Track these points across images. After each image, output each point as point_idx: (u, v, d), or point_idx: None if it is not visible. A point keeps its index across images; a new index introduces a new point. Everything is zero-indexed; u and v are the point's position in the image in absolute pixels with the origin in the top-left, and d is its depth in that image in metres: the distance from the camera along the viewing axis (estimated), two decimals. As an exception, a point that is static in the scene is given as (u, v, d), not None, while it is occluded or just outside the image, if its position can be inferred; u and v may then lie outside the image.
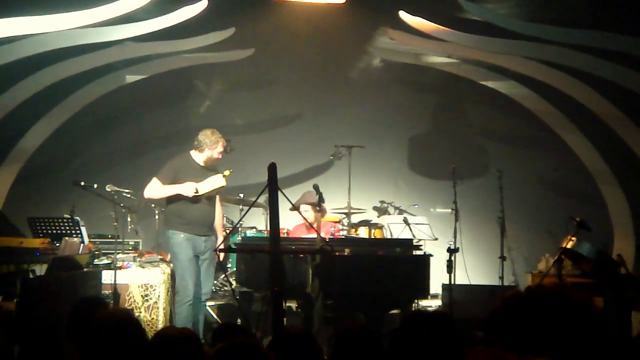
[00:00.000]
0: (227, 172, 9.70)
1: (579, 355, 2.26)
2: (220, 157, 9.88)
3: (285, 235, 10.64)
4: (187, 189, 9.60)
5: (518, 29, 12.84)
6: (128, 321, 4.46)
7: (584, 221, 9.96)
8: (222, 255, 10.13)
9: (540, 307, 2.31)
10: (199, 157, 9.84)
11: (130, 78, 13.84)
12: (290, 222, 11.16)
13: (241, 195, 11.98)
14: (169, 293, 10.17)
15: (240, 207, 12.00)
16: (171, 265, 10.40)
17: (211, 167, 9.87)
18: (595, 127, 13.24)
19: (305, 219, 10.03)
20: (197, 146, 9.82)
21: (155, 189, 9.76)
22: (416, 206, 12.79)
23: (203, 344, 5.07)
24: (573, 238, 9.70)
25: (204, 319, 10.00)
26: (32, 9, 11.67)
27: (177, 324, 9.52)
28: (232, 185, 10.36)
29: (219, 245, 9.49)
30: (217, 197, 10.11)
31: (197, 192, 9.59)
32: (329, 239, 9.86)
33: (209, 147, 9.80)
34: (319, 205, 9.58)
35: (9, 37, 11.99)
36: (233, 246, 10.32)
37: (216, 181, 9.68)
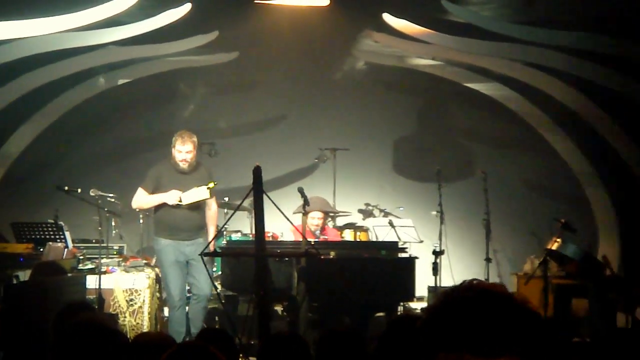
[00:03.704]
0: (211, 185, 9.71)
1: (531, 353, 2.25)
2: (180, 155, 9.74)
3: (271, 239, 10.61)
4: (171, 197, 9.64)
5: (502, 30, 12.82)
6: (107, 328, 4.40)
7: (569, 223, 10.00)
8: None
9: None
10: (173, 161, 9.84)
11: (114, 82, 13.78)
12: (277, 227, 11.09)
13: (226, 198, 11.89)
14: (154, 297, 10.13)
15: (225, 210, 11.92)
16: (156, 269, 10.40)
17: (190, 172, 9.83)
18: (580, 129, 13.24)
19: (296, 228, 9.48)
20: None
21: (141, 199, 9.82)
22: (402, 209, 12.78)
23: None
24: (558, 240, 9.73)
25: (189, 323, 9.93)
26: (14, 14, 11.59)
27: (170, 331, 9.49)
28: (217, 189, 10.28)
29: (204, 249, 9.44)
30: (214, 197, 10.08)
31: (180, 201, 9.59)
32: (314, 242, 9.83)
33: (172, 147, 9.80)
34: (303, 208, 9.56)
35: (-8, 41, 11.93)
36: (218, 250, 10.30)
37: (200, 193, 9.69)
